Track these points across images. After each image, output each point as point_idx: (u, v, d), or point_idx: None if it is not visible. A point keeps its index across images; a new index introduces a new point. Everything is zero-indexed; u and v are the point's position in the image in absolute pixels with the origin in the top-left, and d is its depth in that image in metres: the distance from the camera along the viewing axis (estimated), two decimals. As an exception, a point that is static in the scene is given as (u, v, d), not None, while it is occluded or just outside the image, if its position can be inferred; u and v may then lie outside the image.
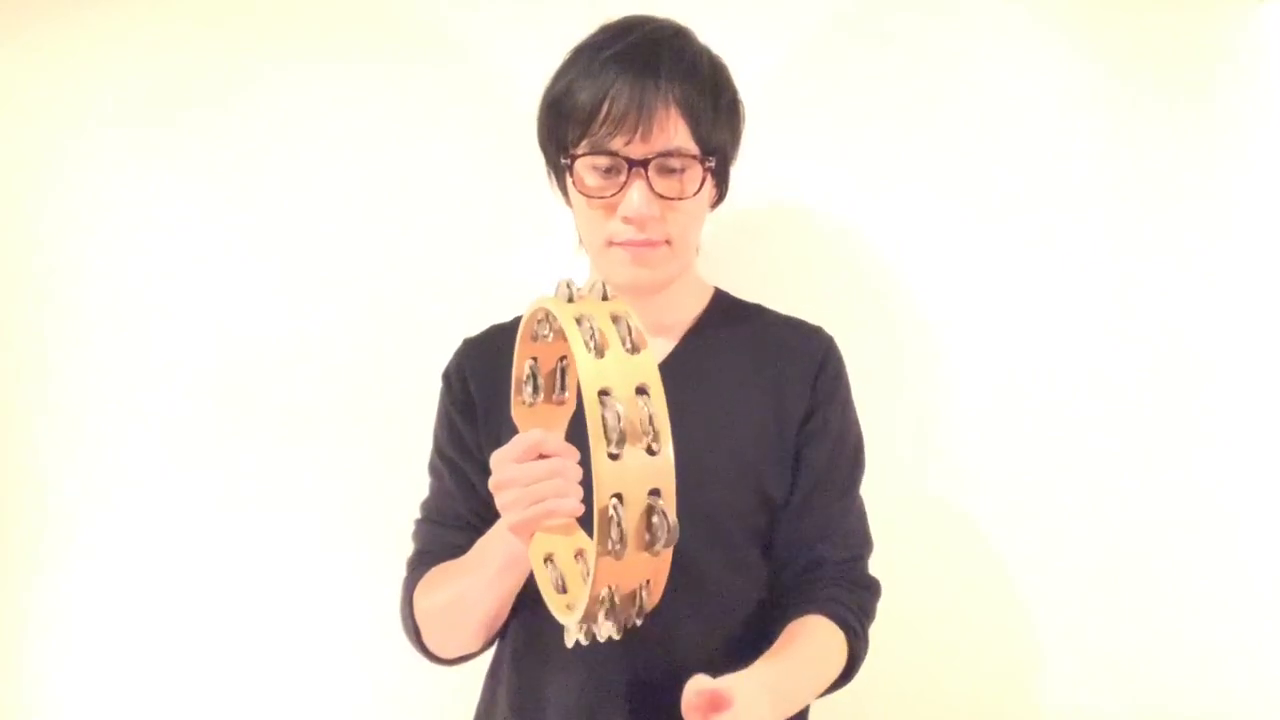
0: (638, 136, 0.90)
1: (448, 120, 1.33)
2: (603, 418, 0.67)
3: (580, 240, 1.04)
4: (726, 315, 1.08)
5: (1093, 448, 1.30)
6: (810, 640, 0.95)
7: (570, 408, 0.88)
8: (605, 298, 0.75)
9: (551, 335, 0.83)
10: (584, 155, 0.93)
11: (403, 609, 1.00)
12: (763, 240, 1.31)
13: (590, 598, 0.70)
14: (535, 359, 0.85)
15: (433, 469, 1.07)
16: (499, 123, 1.32)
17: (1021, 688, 1.31)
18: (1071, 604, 1.31)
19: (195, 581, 1.34)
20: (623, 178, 0.92)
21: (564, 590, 0.80)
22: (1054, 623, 1.31)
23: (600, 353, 0.70)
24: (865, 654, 0.99)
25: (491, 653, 1.05)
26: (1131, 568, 1.30)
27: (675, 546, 0.70)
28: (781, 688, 0.88)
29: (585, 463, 0.80)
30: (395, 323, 1.33)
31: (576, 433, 0.84)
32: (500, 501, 0.81)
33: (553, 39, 0.99)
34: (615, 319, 0.73)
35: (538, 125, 1.00)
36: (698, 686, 0.80)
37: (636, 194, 0.92)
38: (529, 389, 0.86)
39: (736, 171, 1.05)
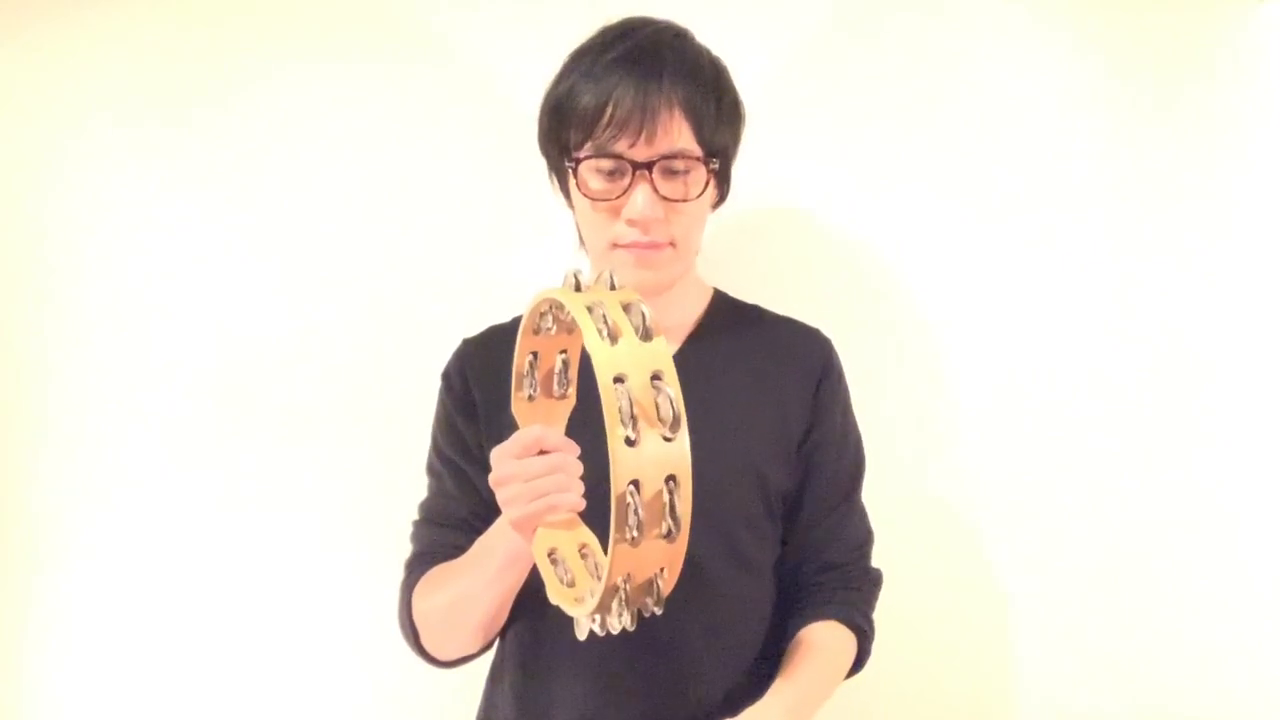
0: (642, 139, 0.90)
1: (448, 120, 1.33)
2: (618, 404, 0.66)
3: (581, 242, 1.04)
4: (727, 316, 1.09)
5: (1093, 448, 1.30)
6: (823, 650, 0.98)
7: (570, 403, 0.88)
8: (613, 287, 0.75)
9: (555, 328, 0.82)
10: (588, 158, 0.93)
11: (401, 611, 1.00)
12: (763, 240, 1.31)
13: (606, 587, 0.70)
14: (535, 353, 0.85)
15: (431, 470, 1.07)
16: (499, 123, 1.31)
17: (1022, 688, 1.31)
18: (1071, 604, 1.31)
19: (195, 582, 1.34)
20: (627, 180, 0.92)
21: (571, 585, 0.80)
22: (1054, 623, 1.31)
23: (614, 339, 0.69)
24: (872, 643, 1.04)
25: (491, 655, 1.05)
26: (1131, 568, 1.30)
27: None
28: (800, 706, 0.93)
29: (585, 457, 0.81)
30: (395, 323, 1.33)
31: (583, 425, 0.84)
32: (502, 497, 0.81)
33: (553, 39, 0.99)
34: (627, 307, 0.72)
35: (539, 128, 1.00)
36: None
37: (641, 196, 0.92)
38: (529, 383, 0.85)
39: (737, 172, 1.05)
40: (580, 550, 0.83)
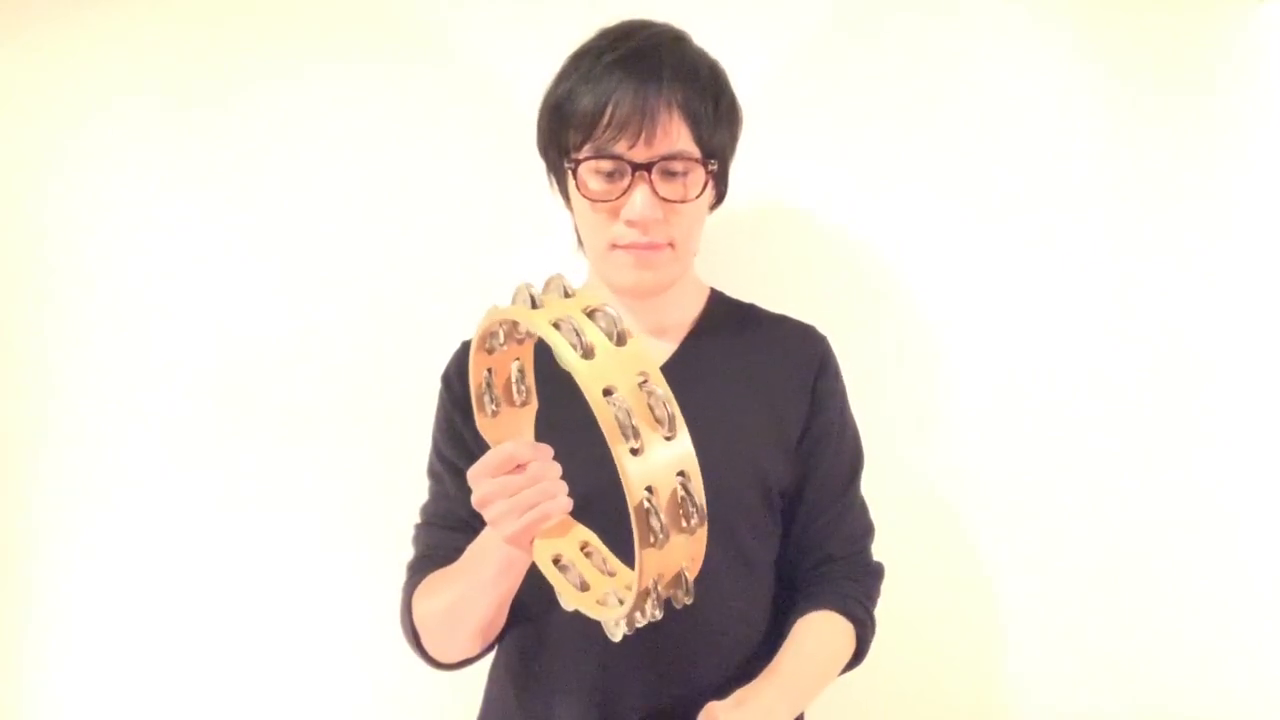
0: (640, 140, 0.91)
1: (448, 120, 1.33)
2: (615, 418, 0.66)
3: (580, 242, 1.05)
4: (724, 315, 1.09)
5: (1093, 448, 1.30)
6: (817, 637, 0.99)
7: (533, 407, 0.87)
8: (567, 294, 0.73)
9: (506, 344, 0.81)
10: (587, 159, 0.93)
11: (402, 615, 1.00)
12: (762, 240, 1.31)
13: (638, 593, 0.70)
14: (490, 369, 0.83)
15: (432, 473, 1.07)
16: (499, 123, 1.31)
17: (1021, 688, 1.31)
18: (1071, 604, 1.31)
19: (195, 582, 1.34)
20: (626, 181, 0.93)
21: (586, 588, 0.80)
22: (1054, 623, 1.31)
23: (589, 353, 0.68)
24: (873, 636, 1.04)
25: (492, 655, 1.06)
26: (1131, 568, 1.30)
27: None
28: (793, 689, 0.94)
29: (562, 458, 0.81)
30: (395, 323, 1.33)
31: (550, 428, 0.85)
32: (489, 517, 0.81)
33: (552, 40, 1.00)
34: (591, 314, 0.71)
35: (538, 130, 1.01)
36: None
37: (640, 197, 0.92)
38: (489, 400, 0.84)
39: (736, 171, 1.05)
40: (583, 550, 0.83)
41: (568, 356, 0.68)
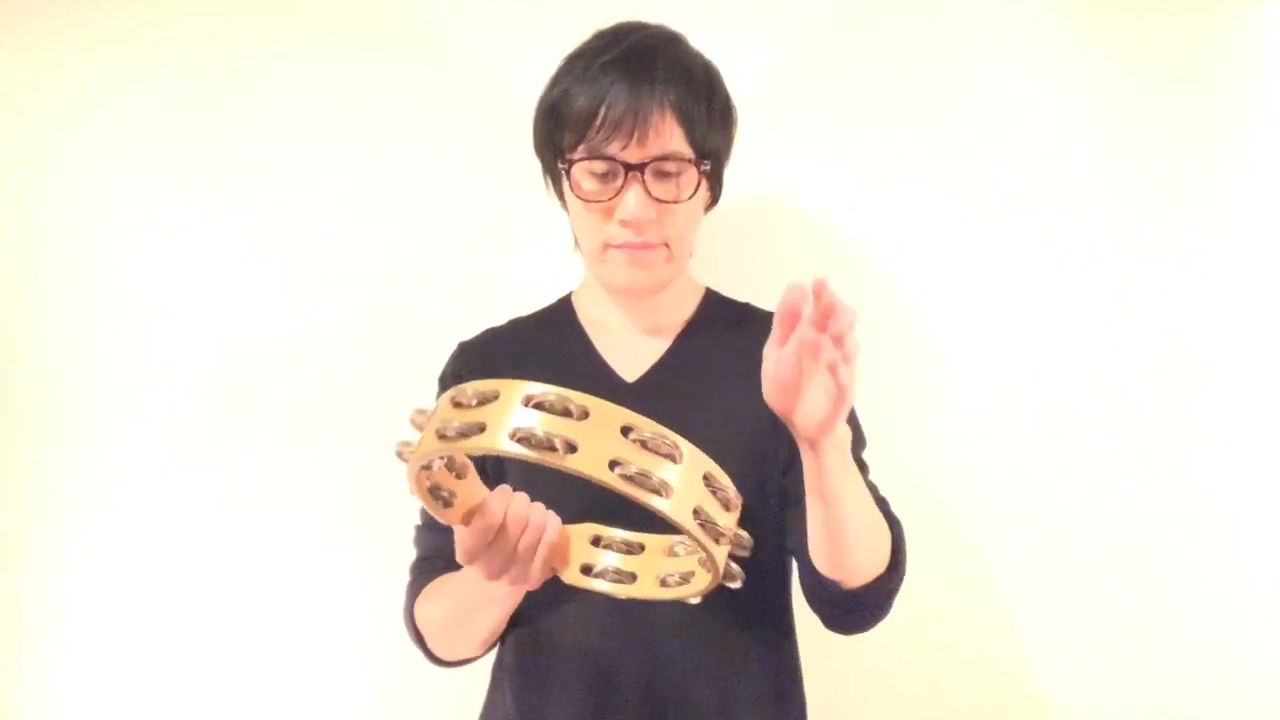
0: (634, 141, 0.91)
1: (448, 120, 1.33)
2: (633, 484, 0.65)
3: (576, 243, 1.05)
4: (718, 313, 1.09)
5: (1093, 448, 1.30)
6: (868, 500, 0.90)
7: (470, 465, 0.80)
8: (463, 400, 0.67)
9: (439, 464, 0.76)
10: (581, 160, 0.94)
11: (405, 616, 1.01)
12: (762, 240, 1.31)
13: (725, 568, 0.72)
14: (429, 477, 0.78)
15: (432, 474, 1.07)
16: (499, 123, 1.32)
17: (1021, 688, 1.31)
18: (1071, 604, 1.31)
19: (195, 582, 1.34)
20: (619, 182, 0.93)
21: (634, 580, 0.81)
22: (1054, 623, 1.31)
23: (553, 447, 0.63)
24: (905, 556, 0.93)
25: (492, 655, 1.06)
26: (1131, 568, 1.30)
27: None
28: (860, 485, 0.87)
29: (542, 483, 0.79)
30: (395, 323, 1.33)
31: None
32: (488, 574, 0.81)
33: (552, 39, 1.00)
34: (528, 401, 0.65)
35: (533, 130, 1.01)
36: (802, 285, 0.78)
37: (633, 198, 0.93)
38: (440, 505, 0.78)
39: (735, 170, 1.06)
40: (595, 542, 0.84)
41: (542, 462, 0.64)
